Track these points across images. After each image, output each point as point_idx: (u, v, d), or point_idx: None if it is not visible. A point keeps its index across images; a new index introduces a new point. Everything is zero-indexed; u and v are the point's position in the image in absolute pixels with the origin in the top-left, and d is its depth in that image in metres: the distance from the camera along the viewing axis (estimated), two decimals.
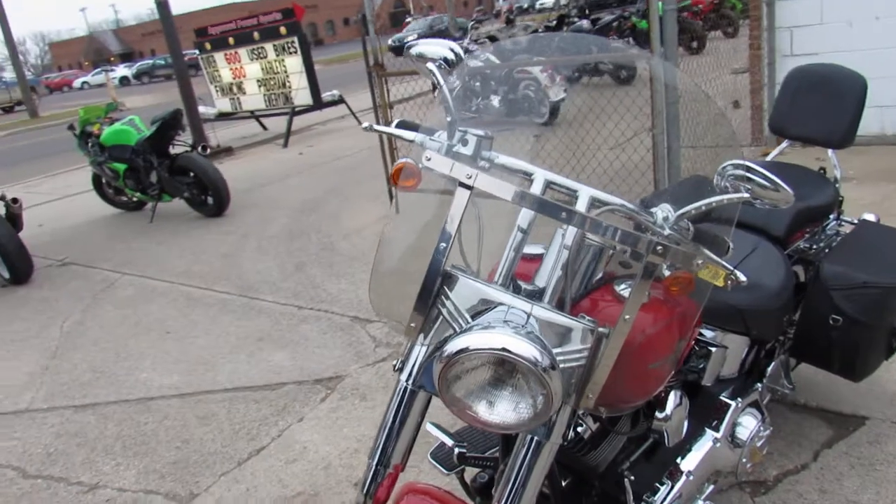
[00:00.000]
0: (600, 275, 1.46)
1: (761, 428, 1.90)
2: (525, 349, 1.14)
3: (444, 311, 1.30)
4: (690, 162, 4.03)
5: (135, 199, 6.84)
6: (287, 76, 9.73)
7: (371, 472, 1.38)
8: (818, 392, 2.53)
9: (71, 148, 7.51)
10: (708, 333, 1.86)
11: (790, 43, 5.50)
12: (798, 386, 2.46)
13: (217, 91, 10.81)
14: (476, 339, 1.16)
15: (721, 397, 1.88)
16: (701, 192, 1.47)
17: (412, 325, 1.30)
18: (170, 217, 6.55)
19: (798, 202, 1.89)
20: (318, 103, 9.86)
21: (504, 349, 1.13)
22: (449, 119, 1.43)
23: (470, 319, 1.27)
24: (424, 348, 1.32)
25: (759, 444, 1.90)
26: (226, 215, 6.34)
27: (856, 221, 2.25)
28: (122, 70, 48.55)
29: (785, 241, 2.04)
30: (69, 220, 7.17)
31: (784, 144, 2.38)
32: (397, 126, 1.56)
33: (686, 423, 1.69)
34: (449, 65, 1.45)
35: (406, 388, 1.36)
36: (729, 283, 1.39)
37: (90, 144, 6.59)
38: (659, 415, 1.60)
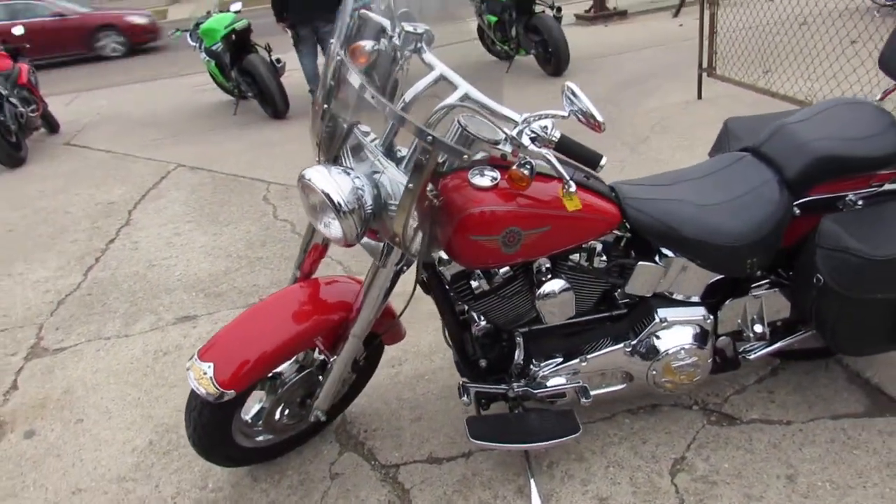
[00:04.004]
0: (478, 156, 1.77)
1: (683, 351, 1.97)
2: (336, 194, 1.64)
3: (341, 153, 1.83)
4: None
5: (506, 48, 7.75)
6: None
7: (301, 253, 2.05)
8: (894, 376, 2.25)
9: None
10: (669, 253, 1.96)
11: None
12: (876, 363, 2.28)
13: None
14: (314, 174, 1.70)
15: (656, 310, 2.00)
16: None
17: (317, 160, 1.87)
18: (523, 71, 7.32)
19: (821, 148, 1.83)
20: None
21: (323, 190, 1.66)
22: (392, 16, 1.85)
23: (349, 161, 1.79)
24: None
25: (676, 364, 1.99)
26: (564, 76, 6.87)
27: None
28: None
29: (797, 186, 1.90)
30: (456, 60, 8.49)
31: (892, 86, 2.00)
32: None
33: (571, 309, 1.92)
34: None
35: None
36: (564, 189, 1.66)
37: None
38: (537, 291, 1.89)
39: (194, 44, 7.21)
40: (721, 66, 5.38)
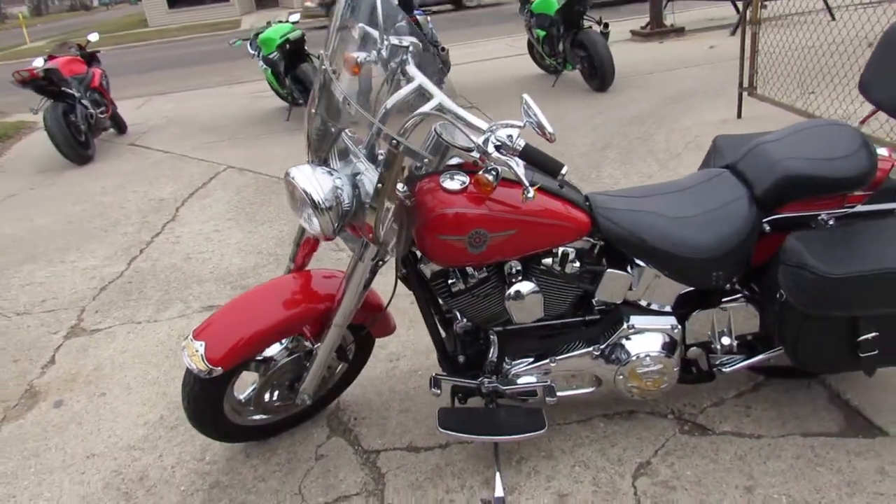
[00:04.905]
0: (452, 161, 1.90)
1: (649, 358, 2.04)
2: (315, 193, 1.80)
3: (330, 154, 1.98)
4: None
5: (554, 63, 7.83)
6: None
7: (295, 247, 2.22)
8: (876, 398, 2.25)
9: None
10: (641, 263, 2.04)
11: None
12: (858, 385, 2.29)
13: None
14: (297, 173, 1.86)
15: (626, 317, 2.07)
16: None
17: (308, 160, 2.03)
18: (569, 85, 7.40)
19: (790, 167, 1.90)
20: None
21: (303, 188, 1.81)
22: (377, 32, 2.00)
23: (335, 162, 1.94)
24: None
25: (642, 370, 2.05)
26: (608, 91, 6.91)
27: None
28: None
29: (766, 203, 1.95)
30: (506, 73, 8.62)
31: (871, 111, 2.02)
32: None
33: (539, 310, 2.01)
34: None
35: None
36: (523, 195, 1.76)
37: (526, 10, 7.74)
38: (507, 291, 1.99)
39: (253, 52, 7.56)
40: (764, 87, 5.33)
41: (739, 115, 5.44)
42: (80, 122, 6.60)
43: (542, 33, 7.45)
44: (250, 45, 7.62)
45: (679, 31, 10.00)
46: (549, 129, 1.65)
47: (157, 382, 2.84)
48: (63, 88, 6.56)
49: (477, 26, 14.20)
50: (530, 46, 8.23)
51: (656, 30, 10.01)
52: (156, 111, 8.99)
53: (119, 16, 40.06)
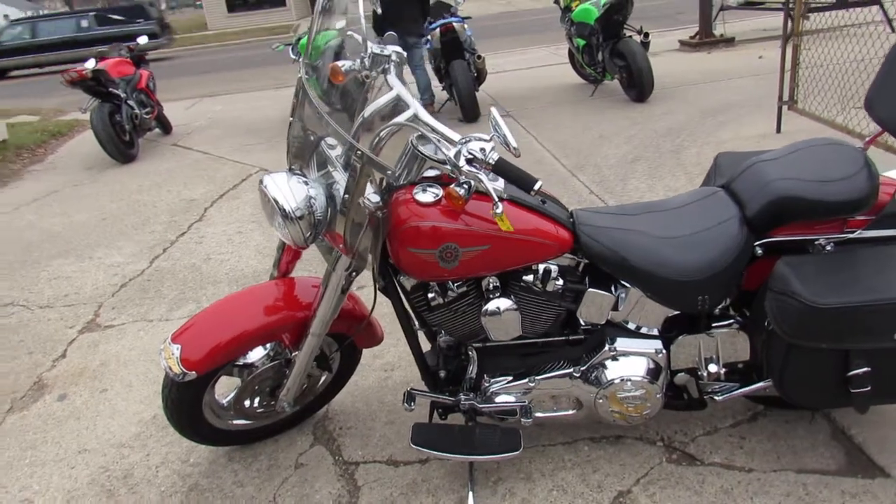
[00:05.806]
0: (430, 174, 1.87)
1: (629, 383, 1.96)
2: (285, 202, 1.79)
3: (310, 162, 1.98)
4: None
5: (593, 72, 7.69)
6: None
7: (278, 252, 2.21)
8: (884, 436, 2.12)
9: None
10: (627, 284, 1.97)
11: None
12: (866, 420, 2.16)
13: None
14: (269, 181, 1.86)
15: (612, 339, 2.00)
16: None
17: (290, 167, 2.02)
18: (608, 95, 7.27)
19: (782, 188, 1.82)
20: (841, 2, 8.71)
21: (273, 197, 1.81)
22: (361, 38, 1.98)
23: (314, 171, 1.94)
24: None
25: (622, 395, 1.98)
26: (647, 102, 6.76)
27: None
28: None
29: (758, 226, 1.85)
30: (547, 82, 8.53)
31: (875, 132, 1.89)
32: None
33: (516, 328, 1.96)
34: None
35: None
36: (492, 210, 1.73)
37: (566, 19, 7.64)
38: (483, 308, 1.95)
39: (294, 57, 7.66)
40: (805, 100, 5.13)
41: (779, 130, 5.25)
42: (126, 122, 6.80)
43: (581, 42, 7.34)
44: (291, 49, 7.74)
45: (729, 42, 9.73)
46: (513, 144, 1.61)
47: (157, 381, 2.88)
48: (110, 89, 6.78)
49: (521, 34, 14.11)
50: (571, 55, 8.11)
51: (705, 40, 9.76)
52: (203, 113, 9.22)
53: (184, 19, 41.30)
